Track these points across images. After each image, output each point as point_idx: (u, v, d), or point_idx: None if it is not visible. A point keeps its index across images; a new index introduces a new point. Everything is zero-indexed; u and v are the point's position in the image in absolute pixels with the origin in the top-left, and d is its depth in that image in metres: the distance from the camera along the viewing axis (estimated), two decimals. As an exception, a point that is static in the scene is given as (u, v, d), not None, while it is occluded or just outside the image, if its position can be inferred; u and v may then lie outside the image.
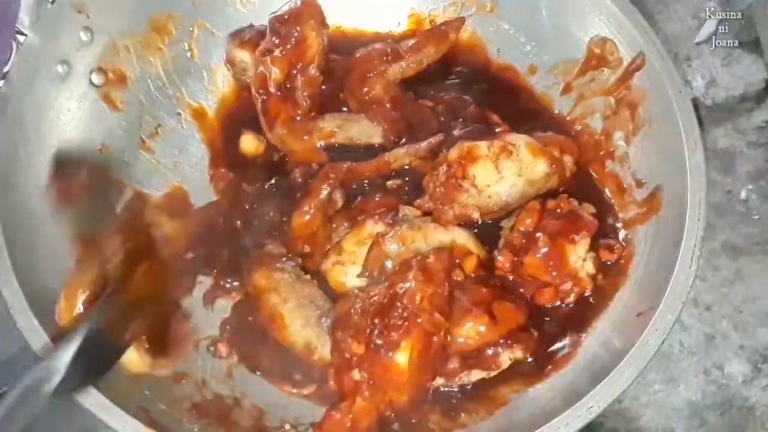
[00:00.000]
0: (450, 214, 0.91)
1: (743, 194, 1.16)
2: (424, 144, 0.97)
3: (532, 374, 0.86)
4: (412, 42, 1.04)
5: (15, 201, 0.85)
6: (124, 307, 0.81)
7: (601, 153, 0.98)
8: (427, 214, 0.93)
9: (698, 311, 1.08)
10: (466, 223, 0.92)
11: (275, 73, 0.98)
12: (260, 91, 1.01)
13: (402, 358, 0.79)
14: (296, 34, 0.98)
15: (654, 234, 0.89)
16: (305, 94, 1.00)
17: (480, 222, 0.93)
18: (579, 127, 1.01)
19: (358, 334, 0.82)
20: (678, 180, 0.85)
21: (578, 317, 0.89)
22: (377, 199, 0.96)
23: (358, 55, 1.04)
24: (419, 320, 0.80)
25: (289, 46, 0.98)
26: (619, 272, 0.90)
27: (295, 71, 0.99)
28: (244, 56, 1.03)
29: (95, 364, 0.76)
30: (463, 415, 0.85)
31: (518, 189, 0.92)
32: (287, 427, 0.87)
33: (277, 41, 0.98)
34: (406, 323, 0.80)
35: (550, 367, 0.86)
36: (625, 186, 0.95)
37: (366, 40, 1.08)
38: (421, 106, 1.03)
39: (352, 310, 0.84)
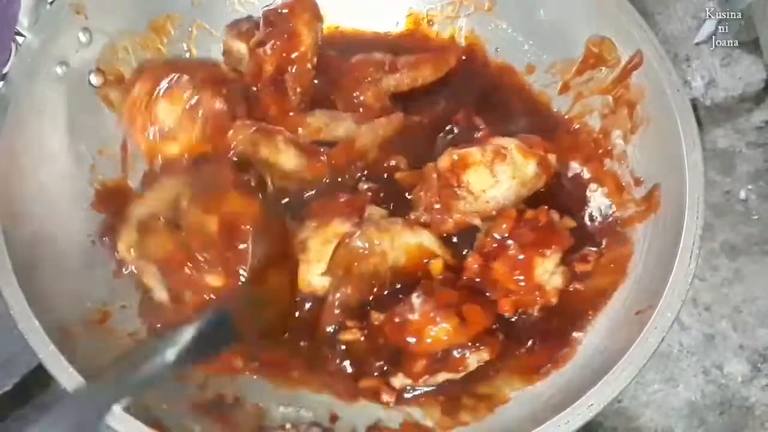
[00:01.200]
0: (450, 223, 0.92)
1: (742, 194, 1.16)
2: (383, 119, 0.98)
3: (531, 372, 0.86)
4: (412, 59, 1.04)
5: (15, 202, 0.85)
6: (255, 299, 0.85)
7: (600, 151, 0.98)
8: (424, 226, 0.92)
9: (697, 311, 1.08)
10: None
11: (267, 65, 0.98)
12: (253, 83, 1.00)
13: None
14: (289, 29, 0.98)
15: (653, 232, 0.88)
16: (296, 88, 0.99)
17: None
18: (577, 126, 1.01)
19: None
20: (676, 178, 0.85)
21: (576, 315, 0.89)
22: (344, 199, 0.94)
23: (354, 61, 1.04)
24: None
25: (281, 41, 0.98)
26: (618, 270, 0.90)
27: (288, 65, 0.99)
28: (240, 47, 1.03)
29: (213, 342, 0.81)
30: (463, 413, 0.85)
31: (513, 191, 0.92)
32: (288, 426, 0.86)
33: (269, 34, 0.98)
34: None
35: (549, 365, 0.86)
36: (624, 184, 0.95)
37: (364, 40, 1.08)
38: (409, 119, 1.02)
39: None
